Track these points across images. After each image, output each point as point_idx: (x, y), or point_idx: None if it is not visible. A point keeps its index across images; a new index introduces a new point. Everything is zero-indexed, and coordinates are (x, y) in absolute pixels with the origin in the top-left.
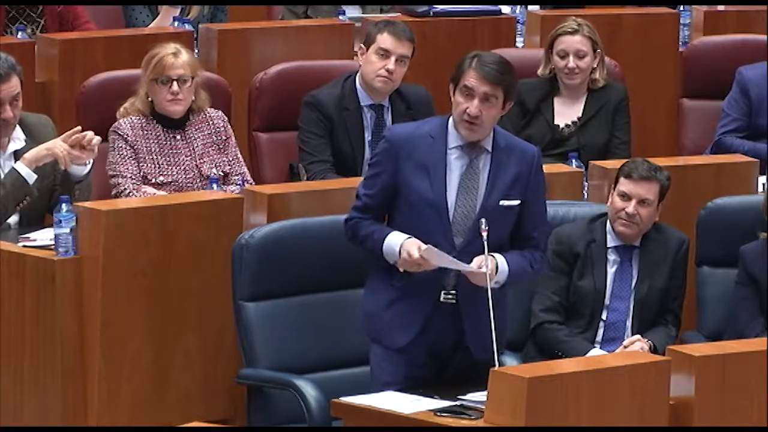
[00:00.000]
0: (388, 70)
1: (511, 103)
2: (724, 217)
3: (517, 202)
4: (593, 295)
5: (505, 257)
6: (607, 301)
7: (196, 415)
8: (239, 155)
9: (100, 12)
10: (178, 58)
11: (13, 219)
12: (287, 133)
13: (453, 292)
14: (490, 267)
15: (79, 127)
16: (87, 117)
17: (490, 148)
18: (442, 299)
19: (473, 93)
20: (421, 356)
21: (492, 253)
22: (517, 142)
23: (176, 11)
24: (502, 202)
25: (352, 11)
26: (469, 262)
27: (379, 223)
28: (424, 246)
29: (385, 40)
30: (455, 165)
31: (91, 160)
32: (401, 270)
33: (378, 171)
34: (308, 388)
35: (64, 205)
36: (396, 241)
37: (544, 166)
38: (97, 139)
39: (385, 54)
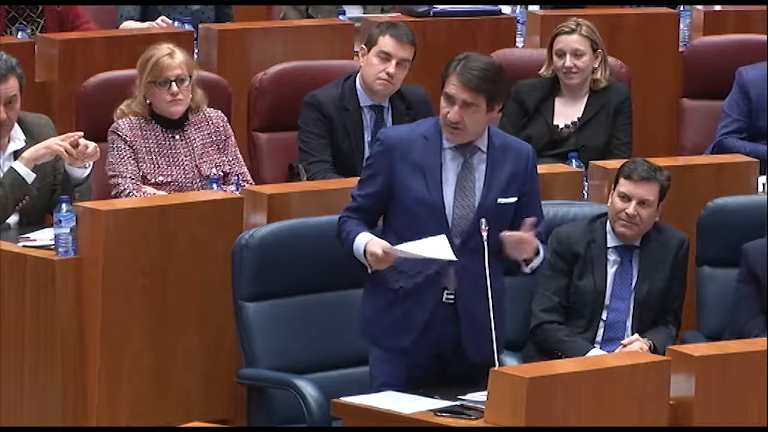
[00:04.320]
0: (388, 74)
1: (498, 107)
2: (724, 217)
3: (513, 200)
4: (593, 295)
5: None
6: (607, 301)
7: (196, 415)
8: (239, 155)
9: (102, 12)
10: (174, 58)
11: (13, 219)
12: (287, 133)
13: (453, 292)
14: (531, 252)
15: (81, 133)
16: (86, 117)
17: (485, 148)
18: (444, 300)
19: (453, 100)
20: (422, 358)
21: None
22: (511, 140)
23: None
24: (499, 200)
25: (353, 11)
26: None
27: (360, 225)
28: (387, 246)
29: (386, 42)
30: (450, 165)
31: (91, 164)
32: (369, 272)
33: (372, 173)
34: (308, 388)
35: (64, 205)
36: (361, 243)
37: (544, 166)
38: (93, 146)
39: (386, 57)
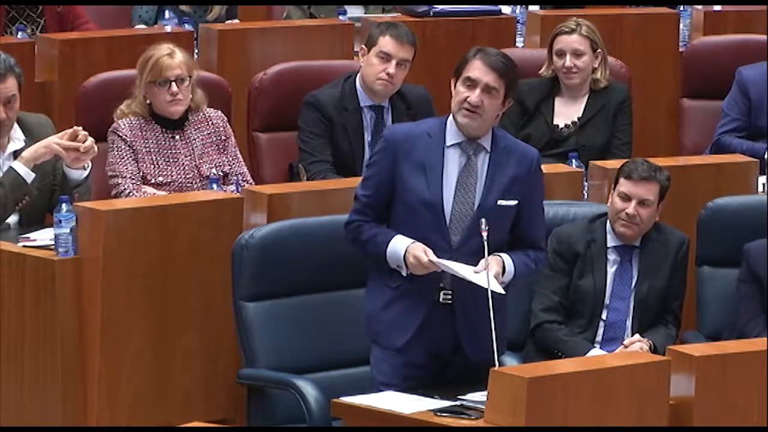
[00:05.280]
0: (388, 74)
1: (511, 101)
2: (724, 217)
3: (514, 203)
4: (593, 294)
5: (511, 257)
6: (607, 301)
7: (196, 415)
8: (239, 155)
9: (105, 12)
10: (173, 58)
11: (13, 219)
12: (287, 133)
13: (450, 292)
14: (497, 269)
15: (80, 127)
16: (87, 117)
17: (489, 148)
18: (441, 300)
19: (476, 83)
20: (420, 357)
21: (499, 254)
22: (517, 144)
23: None
24: (499, 202)
25: (355, 11)
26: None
27: (381, 227)
28: (432, 256)
29: (386, 43)
30: (453, 163)
31: (90, 164)
32: (405, 274)
33: (376, 170)
34: (308, 388)
35: (64, 205)
36: (400, 246)
37: (544, 166)
38: (90, 140)
39: (386, 57)
